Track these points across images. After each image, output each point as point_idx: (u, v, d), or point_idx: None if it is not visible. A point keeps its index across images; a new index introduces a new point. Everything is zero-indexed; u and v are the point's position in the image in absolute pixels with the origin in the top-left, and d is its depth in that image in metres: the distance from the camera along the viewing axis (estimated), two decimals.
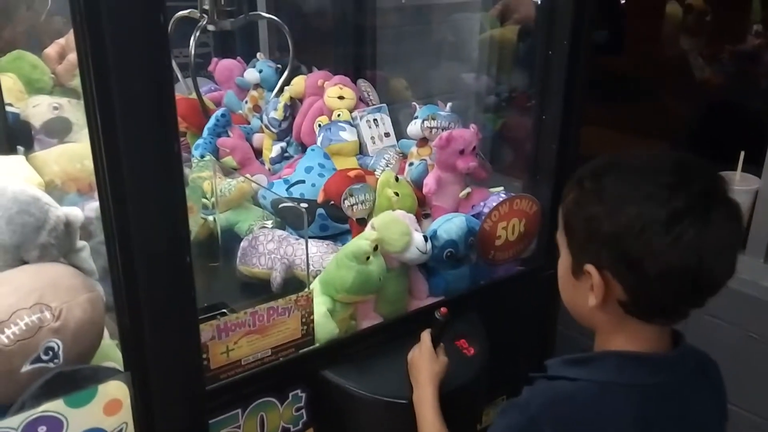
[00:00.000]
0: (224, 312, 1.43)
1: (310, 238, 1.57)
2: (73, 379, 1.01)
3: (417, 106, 1.74)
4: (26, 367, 1.02)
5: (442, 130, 1.60)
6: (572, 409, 0.95)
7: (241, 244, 1.62)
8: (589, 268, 0.94)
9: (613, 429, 0.94)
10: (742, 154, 1.74)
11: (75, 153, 1.53)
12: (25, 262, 1.17)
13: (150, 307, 0.95)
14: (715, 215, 0.89)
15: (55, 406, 0.94)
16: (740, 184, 1.74)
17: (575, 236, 0.98)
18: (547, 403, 0.97)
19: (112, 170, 0.90)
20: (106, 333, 1.19)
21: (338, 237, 1.64)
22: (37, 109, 1.78)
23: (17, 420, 0.92)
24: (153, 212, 0.94)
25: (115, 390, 0.99)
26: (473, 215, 1.56)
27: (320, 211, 1.62)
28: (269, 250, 1.57)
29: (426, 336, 1.34)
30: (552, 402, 0.97)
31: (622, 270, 0.92)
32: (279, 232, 1.61)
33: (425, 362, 1.30)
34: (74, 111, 1.78)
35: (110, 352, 1.19)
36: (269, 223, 1.66)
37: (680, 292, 0.93)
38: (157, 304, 0.96)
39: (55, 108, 1.78)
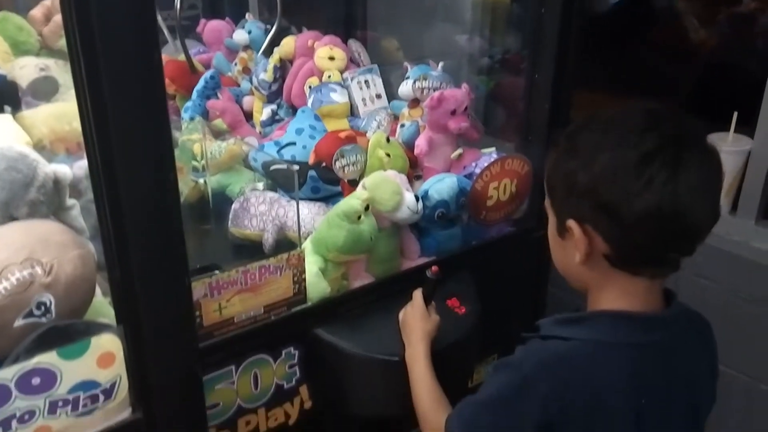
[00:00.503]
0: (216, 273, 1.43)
1: (301, 200, 1.57)
2: (66, 333, 1.02)
3: (408, 66, 1.72)
4: (19, 322, 1.03)
5: (434, 90, 1.59)
6: (566, 368, 0.96)
7: (233, 206, 1.61)
8: (571, 223, 0.95)
9: (607, 388, 0.95)
10: (735, 114, 1.74)
11: (63, 113, 1.52)
12: (15, 219, 1.16)
13: (139, 262, 0.95)
14: (688, 157, 0.89)
15: (48, 359, 0.95)
16: (733, 145, 1.74)
17: (556, 195, 0.99)
18: (541, 363, 0.97)
19: (99, 130, 0.90)
20: (98, 290, 1.20)
21: (330, 199, 1.64)
22: (24, 71, 1.76)
23: (11, 372, 0.93)
24: (141, 170, 0.94)
25: (108, 343, 0.99)
26: (465, 176, 1.56)
27: (312, 173, 1.61)
28: (261, 212, 1.57)
29: (418, 294, 1.34)
30: (546, 362, 0.97)
31: (601, 219, 0.92)
32: (270, 194, 1.60)
33: (417, 321, 1.31)
34: (61, 72, 1.75)
35: (103, 309, 1.19)
36: (260, 185, 1.66)
37: (661, 238, 0.93)
38: (147, 258, 0.96)
39: (42, 69, 1.76)
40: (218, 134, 1.76)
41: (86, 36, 0.85)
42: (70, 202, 1.25)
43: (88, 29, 0.84)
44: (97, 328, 1.03)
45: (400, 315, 1.35)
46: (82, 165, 1.29)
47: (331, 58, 1.81)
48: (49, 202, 1.20)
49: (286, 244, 1.54)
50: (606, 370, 0.95)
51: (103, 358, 0.99)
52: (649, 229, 0.91)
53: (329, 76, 1.79)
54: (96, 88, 0.88)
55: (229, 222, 1.60)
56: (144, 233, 0.95)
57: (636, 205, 0.88)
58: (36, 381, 0.95)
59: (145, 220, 0.95)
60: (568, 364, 0.96)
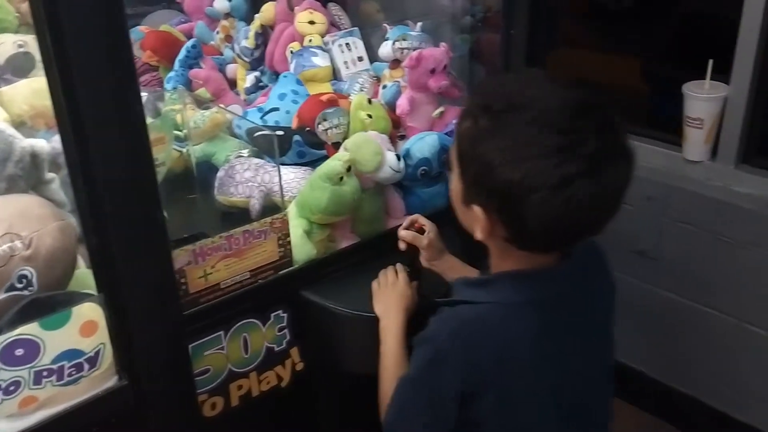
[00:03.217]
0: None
1: (287, 165, 1.57)
2: (49, 304, 1.03)
3: (388, 27, 1.71)
4: (1, 295, 1.04)
5: (413, 50, 1.58)
6: (477, 333, 0.98)
7: (218, 174, 1.61)
8: (476, 209, 0.95)
9: (519, 346, 0.97)
10: (711, 62, 1.74)
11: (41, 88, 1.50)
12: None
13: (116, 229, 0.96)
14: (606, 173, 0.88)
15: (30, 329, 0.96)
16: (710, 92, 1.74)
17: (467, 172, 0.96)
18: (453, 333, 0.99)
19: (69, 101, 0.89)
20: (81, 262, 1.20)
21: (316, 163, 1.62)
22: (2, 48, 1.75)
23: None
24: (112, 138, 0.93)
25: (90, 312, 1.00)
26: (446, 133, 1.56)
27: (297, 137, 1.61)
28: (246, 178, 1.57)
29: (401, 269, 1.35)
30: (456, 331, 0.99)
31: (507, 219, 0.93)
32: (255, 160, 1.60)
33: (397, 295, 1.30)
34: None
35: (87, 280, 1.19)
36: (245, 152, 1.66)
37: (564, 239, 0.96)
38: (123, 225, 0.96)
39: (20, 45, 1.74)
40: (202, 103, 1.76)
41: (51, 8, 0.84)
42: (50, 175, 1.25)
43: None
44: (80, 298, 1.04)
45: (374, 285, 1.35)
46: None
47: (312, 23, 1.79)
48: (28, 176, 1.20)
49: (273, 210, 1.54)
50: (515, 330, 0.98)
51: (86, 326, 1.00)
52: (554, 234, 0.92)
53: (310, 41, 1.78)
54: (63, 60, 0.87)
55: (216, 190, 1.61)
56: (119, 200, 0.96)
57: (547, 220, 0.89)
58: (19, 352, 0.96)
59: (119, 186, 0.95)
60: (478, 330, 0.98)
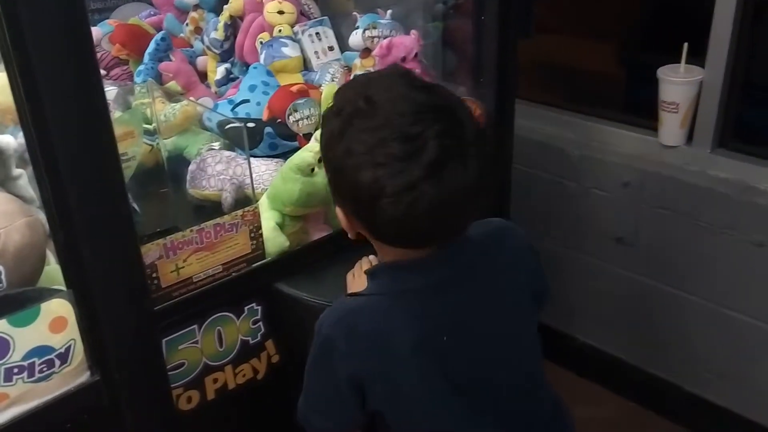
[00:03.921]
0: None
1: (259, 157, 1.57)
2: (19, 300, 1.02)
3: (358, 15, 1.71)
4: None
5: (384, 38, 1.58)
6: (358, 321, 1.01)
7: (189, 167, 1.60)
8: (338, 210, 1.01)
9: (400, 334, 0.99)
10: (686, 46, 1.74)
11: (6, 84, 1.49)
12: None
13: (82, 224, 0.95)
14: (450, 176, 0.90)
15: None
16: (685, 76, 1.75)
17: (327, 174, 1.01)
18: (335, 320, 1.03)
19: (30, 98, 0.89)
20: (52, 258, 1.19)
21: (288, 155, 1.62)
22: None
23: None
24: (76, 137, 0.93)
25: (59, 308, 1.00)
26: None
27: (268, 129, 1.60)
28: (218, 171, 1.56)
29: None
30: (339, 319, 1.03)
31: (362, 221, 0.97)
32: (227, 153, 1.59)
33: None
34: None
35: (58, 275, 1.18)
36: (216, 145, 1.65)
37: (420, 238, 0.98)
38: (89, 219, 0.96)
39: None
40: (172, 97, 1.74)
41: (9, 2, 0.84)
42: (17, 171, 1.24)
43: None
44: (49, 294, 1.03)
45: (348, 276, 1.35)
46: None
47: (281, 12, 1.78)
48: None
49: (246, 202, 1.54)
50: (394, 319, 1.00)
51: (55, 323, 1.00)
52: (407, 236, 0.96)
53: (280, 31, 1.77)
54: (22, 55, 0.87)
55: (187, 183, 1.60)
56: (84, 195, 0.95)
57: (393, 225, 0.92)
58: None
59: (84, 182, 0.95)
60: (359, 318, 1.02)
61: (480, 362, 1.04)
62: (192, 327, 1.28)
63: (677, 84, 1.74)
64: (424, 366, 1.00)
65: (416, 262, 1.00)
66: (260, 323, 1.38)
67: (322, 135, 1.00)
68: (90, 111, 0.92)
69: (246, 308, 1.35)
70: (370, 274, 1.08)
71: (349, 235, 1.03)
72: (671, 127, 1.80)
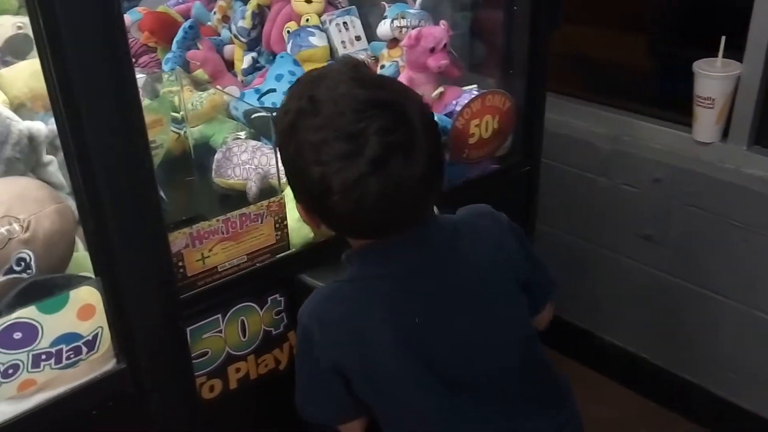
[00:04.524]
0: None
1: None
2: (48, 287, 1.03)
3: (386, 5, 1.69)
4: None
5: (412, 29, 1.57)
6: (330, 309, 1.04)
7: (215, 156, 1.60)
8: (297, 206, 1.04)
9: (368, 321, 1.01)
10: (723, 39, 1.70)
11: (40, 70, 1.49)
12: None
13: (112, 212, 0.95)
14: (396, 169, 0.92)
15: (28, 313, 0.96)
16: (722, 71, 1.71)
17: (285, 166, 1.04)
18: (310, 310, 1.06)
19: (61, 82, 0.90)
20: (80, 244, 1.20)
21: None
22: (1, 29, 1.73)
23: None
24: (108, 124, 0.93)
25: (87, 295, 1.00)
26: (446, 114, 1.55)
27: None
28: (243, 160, 1.56)
29: None
30: (313, 309, 1.06)
31: (318, 215, 1.01)
32: (253, 142, 1.59)
33: None
34: None
35: (86, 263, 1.19)
36: (242, 134, 1.65)
37: (375, 230, 1.01)
38: (119, 208, 0.96)
39: (20, 27, 1.73)
40: (200, 85, 1.74)
41: None
42: (48, 158, 1.25)
43: None
44: (78, 281, 1.04)
45: None
46: None
47: (309, 1, 1.77)
48: (26, 159, 1.20)
49: (271, 192, 1.54)
50: (364, 305, 1.03)
51: (83, 310, 1.00)
52: (360, 227, 1.00)
53: (307, 20, 1.76)
54: (56, 42, 0.87)
55: (213, 172, 1.60)
56: (115, 183, 0.96)
57: (346, 215, 0.95)
58: (18, 335, 0.96)
59: (114, 170, 0.95)
60: (330, 304, 1.05)
61: (457, 345, 1.05)
62: (216, 316, 1.29)
63: (713, 79, 1.70)
64: (397, 349, 1.01)
65: (381, 249, 1.03)
66: (283, 314, 1.38)
67: (275, 133, 1.04)
68: (121, 98, 0.92)
69: (269, 299, 1.35)
70: (344, 261, 1.10)
71: (311, 229, 1.06)
72: (706, 123, 1.77)
